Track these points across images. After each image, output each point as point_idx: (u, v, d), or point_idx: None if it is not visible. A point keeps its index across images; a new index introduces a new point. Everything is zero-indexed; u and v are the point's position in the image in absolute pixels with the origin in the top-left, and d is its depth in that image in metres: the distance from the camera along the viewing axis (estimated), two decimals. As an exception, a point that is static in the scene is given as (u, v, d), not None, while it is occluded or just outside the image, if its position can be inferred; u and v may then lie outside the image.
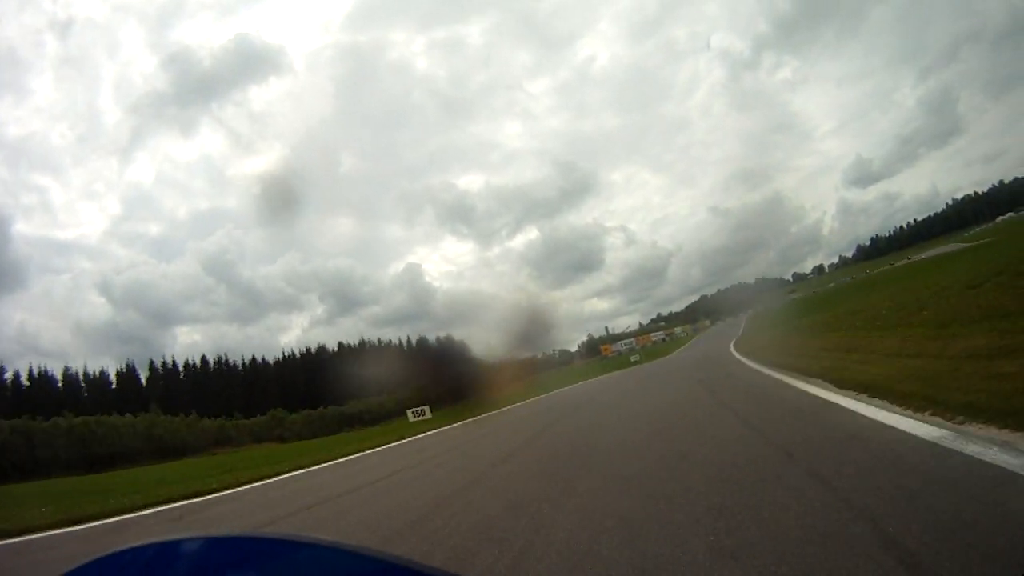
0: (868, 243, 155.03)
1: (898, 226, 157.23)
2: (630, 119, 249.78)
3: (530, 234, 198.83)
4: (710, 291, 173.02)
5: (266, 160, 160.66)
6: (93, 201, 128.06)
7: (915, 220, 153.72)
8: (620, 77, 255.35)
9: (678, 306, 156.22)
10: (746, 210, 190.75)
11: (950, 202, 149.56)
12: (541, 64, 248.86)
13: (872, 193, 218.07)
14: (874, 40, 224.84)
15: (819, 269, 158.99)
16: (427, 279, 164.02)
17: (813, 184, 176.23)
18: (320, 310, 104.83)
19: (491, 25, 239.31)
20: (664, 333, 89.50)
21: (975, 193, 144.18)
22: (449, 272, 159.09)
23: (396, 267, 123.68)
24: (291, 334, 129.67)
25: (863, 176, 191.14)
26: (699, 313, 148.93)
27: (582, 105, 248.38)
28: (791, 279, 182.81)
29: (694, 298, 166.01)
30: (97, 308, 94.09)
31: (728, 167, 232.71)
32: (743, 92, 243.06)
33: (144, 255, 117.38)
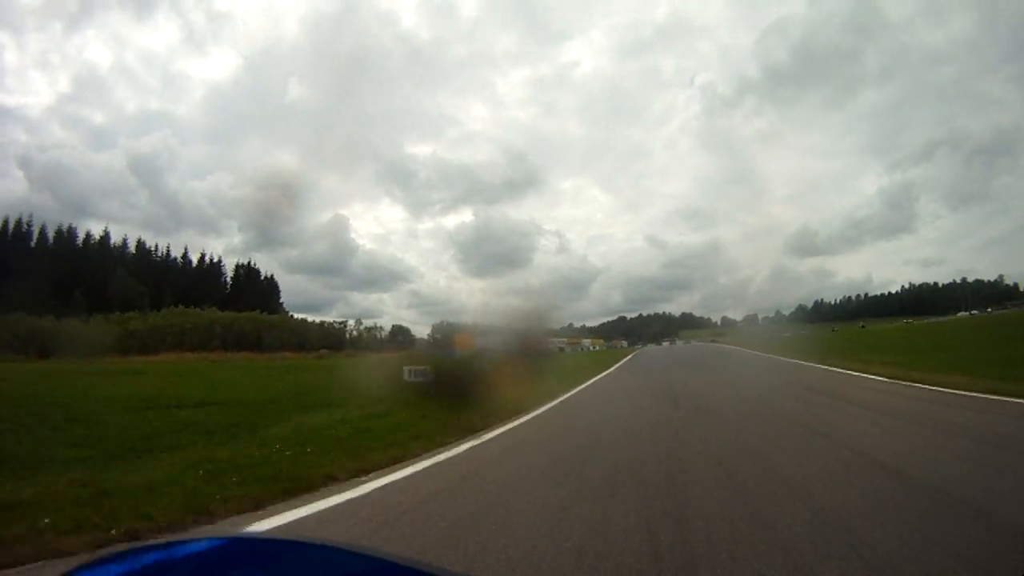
0: (810, 306, 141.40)
1: (845, 296, 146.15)
2: (595, 133, 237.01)
3: (464, 215, 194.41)
4: (629, 316, 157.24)
5: (215, 66, 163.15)
6: (45, 72, 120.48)
7: (865, 295, 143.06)
8: (597, 89, 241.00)
9: (593, 323, 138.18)
10: (682, 248, 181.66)
11: (907, 286, 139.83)
12: (524, 54, 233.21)
13: (808, 265, 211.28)
14: (856, 123, 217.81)
15: (752, 319, 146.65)
16: (352, 235, 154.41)
17: (753, 242, 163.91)
18: (237, 239, 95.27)
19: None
20: (565, 341, 61.55)
21: (934, 284, 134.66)
22: (376, 234, 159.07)
23: (323, 215, 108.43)
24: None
25: (805, 246, 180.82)
26: (615, 333, 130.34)
27: (552, 106, 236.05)
28: (719, 323, 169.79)
29: (611, 319, 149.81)
30: (14, 182, 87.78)
31: (675, 203, 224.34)
32: (713, 134, 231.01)
33: (80, 142, 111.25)
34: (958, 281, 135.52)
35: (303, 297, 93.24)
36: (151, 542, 0.89)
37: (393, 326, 70.82)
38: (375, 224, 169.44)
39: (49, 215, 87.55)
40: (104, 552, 0.79)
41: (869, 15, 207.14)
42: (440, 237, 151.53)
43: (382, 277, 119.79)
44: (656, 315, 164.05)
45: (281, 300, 74.56)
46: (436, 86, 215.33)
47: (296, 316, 68.30)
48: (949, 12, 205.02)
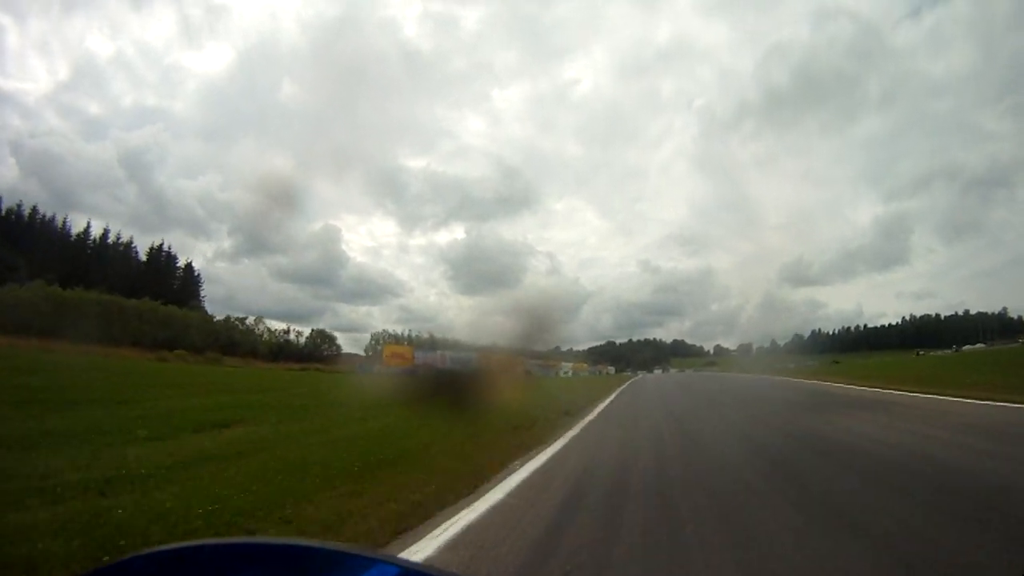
0: (807, 336, 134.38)
1: (843, 327, 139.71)
2: (591, 153, 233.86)
3: (456, 232, 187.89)
4: (619, 341, 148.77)
5: (211, 63, 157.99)
6: (44, 58, 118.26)
7: (864, 326, 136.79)
8: (596, 109, 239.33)
9: (581, 347, 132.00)
10: (675, 273, 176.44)
11: (907, 317, 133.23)
12: (524, 69, 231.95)
13: (801, 295, 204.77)
14: (854, 151, 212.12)
15: (747, 348, 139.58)
16: (343, 246, 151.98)
17: (746, 270, 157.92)
18: (227, 243, 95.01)
19: (490, 14, 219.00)
20: (541, 363, 52.01)
21: (936, 315, 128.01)
22: (367, 247, 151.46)
23: (314, 225, 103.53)
24: (192, 259, 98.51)
25: (798, 276, 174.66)
26: (604, 358, 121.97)
27: (550, 123, 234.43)
28: (711, 351, 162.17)
29: (600, 343, 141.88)
30: (6, 168, 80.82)
31: (669, 228, 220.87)
32: (709, 159, 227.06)
33: (74, 132, 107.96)
34: (960, 313, 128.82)
35: (290, 305, 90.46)
36: (160, 548, 0.75)
37: (312, 331, 60.95)
38: (368, 237, 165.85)
39: (37, 204, 79.87)
40: (111, 560, 0.78)
41: (872, 41, 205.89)
42: (432, 253, 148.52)
43: (371, 290, 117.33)
44: (646, 341, 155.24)
45: (203, 293, 64.69)
46: (433, 97, 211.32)
47: (220, 317, 58.19)
48: (950, 42, 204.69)
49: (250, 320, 57.43)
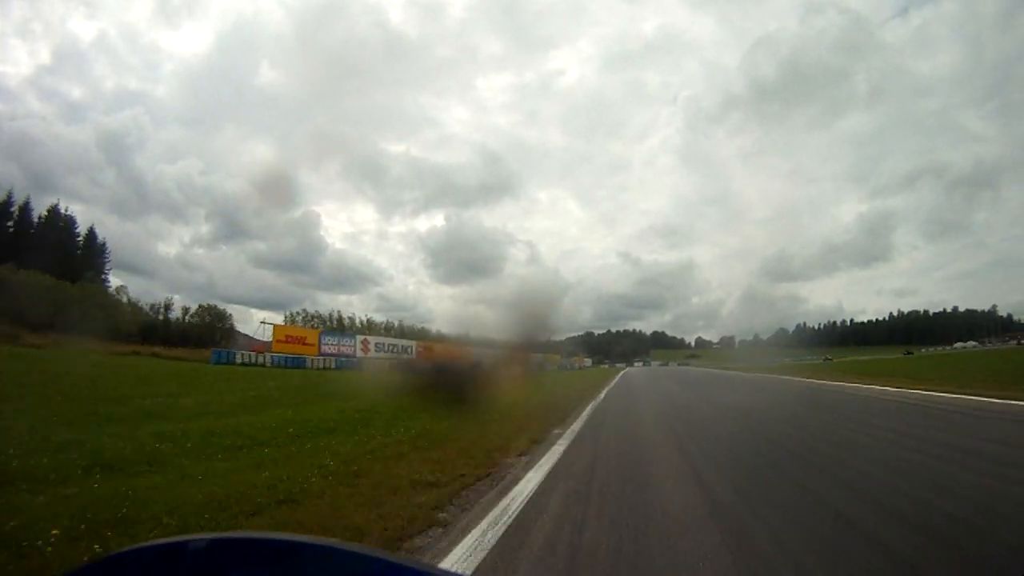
0: (791, 330, 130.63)
1: (829, 321, 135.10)
2: (575, 144, 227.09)
3: (435, 219, 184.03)
4: (597, 332, 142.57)
5: (192, 45, 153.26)
6: (26, 41, 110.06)
7: (851, 320, 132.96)
8: (580, 100, 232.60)
9: (558, 337, 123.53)
10: (656, 266, 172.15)
11: (895, 313, 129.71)
12: (509, 59, 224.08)
13: (782, 290, 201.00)
14: (840, 148, 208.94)
15: (729, 341, 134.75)
16: (322, 233, 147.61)
17: (727, 264, 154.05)
18: (204, 229, 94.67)
19: (476, 1, 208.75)
20: (506, 353, 43.59)
21: (924, 312, 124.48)
22: (346, 233, 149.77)
23: (294, 211, 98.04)
24: (170, 245, 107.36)
25: (779, 271, 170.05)
26: (581, 348, 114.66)
27: (534, 113, 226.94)
28: (692, 344, 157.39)
29: (578, 334, 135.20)
30: None
31: (651, 220, 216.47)
32: (694, 152, 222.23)
33: (53, 115, 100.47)
34: (948, 311, 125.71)
35: (268, 293, 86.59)
36: (152, 542, 0.79)
37: (200, 306, 50.94)
38: (347, 223, 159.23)
39: (15, 186, 67.50)
40: (105, 553, 0.80)
41: (860, 37, 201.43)
42: (411, 240, 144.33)
43: (350, 278, 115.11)
44: (626, 332, 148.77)
45: (108, 268, 54.38)
46: (417, 84, 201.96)
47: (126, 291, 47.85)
48: (938, 43, 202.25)
49: (112, 289, 47.73)
